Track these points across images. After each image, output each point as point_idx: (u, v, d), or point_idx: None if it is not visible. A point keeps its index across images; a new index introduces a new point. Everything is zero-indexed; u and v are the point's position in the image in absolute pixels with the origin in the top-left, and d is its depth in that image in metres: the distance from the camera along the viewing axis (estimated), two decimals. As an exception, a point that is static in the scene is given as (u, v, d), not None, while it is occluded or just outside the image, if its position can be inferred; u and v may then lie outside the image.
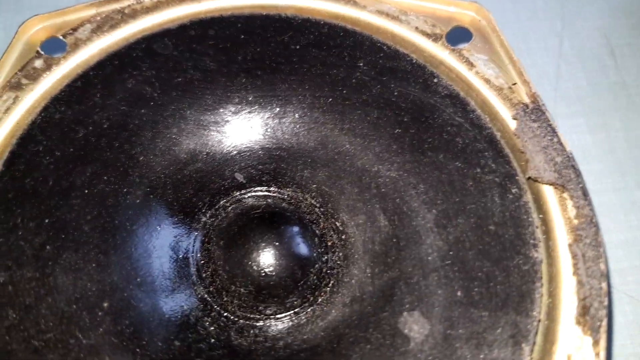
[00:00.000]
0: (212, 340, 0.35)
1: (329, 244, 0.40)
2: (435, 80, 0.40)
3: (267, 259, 0.38)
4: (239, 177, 0.41)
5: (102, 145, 0.38)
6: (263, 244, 0.38)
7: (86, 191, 0.36)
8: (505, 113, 0.40)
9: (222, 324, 0.37)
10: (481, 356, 0.33)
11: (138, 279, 0.36)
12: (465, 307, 0.35)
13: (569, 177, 0.37)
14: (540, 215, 0.37)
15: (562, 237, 0.36)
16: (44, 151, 0.36)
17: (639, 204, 0.58)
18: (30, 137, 0.37)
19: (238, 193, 0.41)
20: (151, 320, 0.35)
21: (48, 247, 0.34)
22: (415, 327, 0.35)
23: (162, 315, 0.35)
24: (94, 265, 0.35)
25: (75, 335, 0.33)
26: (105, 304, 0.34)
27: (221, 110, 0.40)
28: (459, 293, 0.35)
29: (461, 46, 0.43)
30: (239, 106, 0.40)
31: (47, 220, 0.35)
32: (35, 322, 0.33)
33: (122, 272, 0.36)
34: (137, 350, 0.33)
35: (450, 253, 0.36)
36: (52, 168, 0.36)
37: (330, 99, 0.40)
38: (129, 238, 0.37)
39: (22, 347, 0.32)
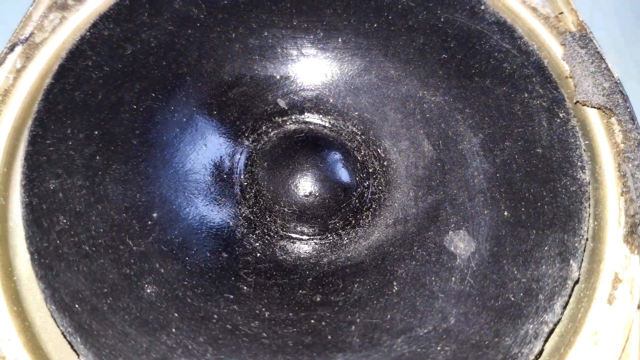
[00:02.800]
0: (258, 254, 0.36)
1: (370, 170, 0.39)
2: (482, 7, 0.40)
3: (309, 181, 0.38)
4: (282, 103, 0.41)
5: (150, 64, 0.38)
6: (306, 166, 0.38)
7: (134, 107, 0.36)
8: (552, 41, 0.40)
9: (266, 241, 0.37)
10: (528, 272, 0.33)
11: (186, 193, 0.36)
12: (512, 226, 0.35)
13: (617, 102, 0.37)
14: (587, 142, 0.37)
15: (608, 162, 0.36)
16: (93, 66, 0.37)
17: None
18: (80, 52, 0.37)
19: (280, 119, 0.41)
20: (199, 232, 0.35)
21: (98, 157, 0.34)
22: (461, 244, 0.35)
23: (210, 228, 0.36)
24: (143, 177, 0.35)
25: (125, 241, 0.33)
26: (155, 214, 0.34)
27: (265, 34, 0.40)
28: (505, 213, 0.35)
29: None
30: (283, 31, 0.40)
31: (96, 132, 0.35)
32: (85, 228, 0.33)
33: (171, 186, 0.36)
34: (187, 259, 0.34)
35: (497, 175, 0.36)
36: (101, 83, 0.36)
37: (375, 25, 0.40)
38: (177, 154, 0.37)
39: (73, 251, 0.32)
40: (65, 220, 0.33)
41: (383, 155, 0.40)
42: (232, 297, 0.33)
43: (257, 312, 0.33)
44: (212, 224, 0.36)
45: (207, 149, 0.38)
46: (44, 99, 0.35)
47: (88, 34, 0.38)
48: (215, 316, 0.32)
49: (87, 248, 0.33)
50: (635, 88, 0.61)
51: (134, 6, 0.39)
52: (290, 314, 0.33)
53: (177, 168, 0.37)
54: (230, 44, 0.40)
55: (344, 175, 0.39)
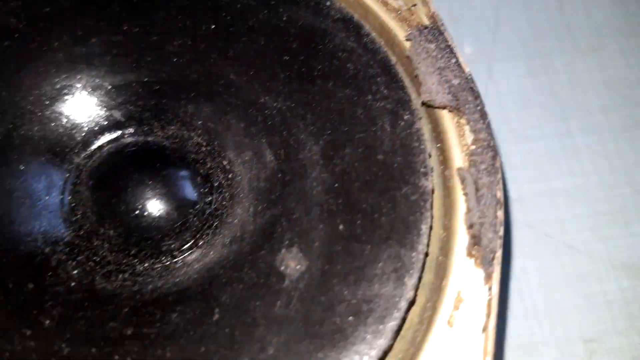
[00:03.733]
0: (73, 284, 0.32)
1: (215, 184, 0.36)
2: (328, 3, 0.37)
3: (136, 197, 0.35)
4: (117, 114, 0.37)
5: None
6: (132, 182, 0.35)
7: None
8: (402, 36, 0.37)
9: (88, 268, 0.33)
10: (359, 292, 0.30)
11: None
12: (346, 241, 0.31)
13: (466, 100, 0.34)
14: (438, 145, 0.34)
15: (458, 165, 0.33)
16: None
17: (581, 150, 0.54)
18: None
19: (116, 132, 0.37)
20: (5, 262, 0.31)
21: None
22: (291, 264, 0.31)
23: (18, 257, 0.32)
24: None
25: None
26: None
27: (93, 41, 0.36)
28: (341, 227, 0.32)
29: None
30: (112, 37, 0.37)
31: None
32: None
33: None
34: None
35: (335, 185, 0.33)
36: None
37: (214, 26, 0.37)
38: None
39: None
40: None
41: (228, 167, 0.37)
42: (29, 332, 0.30)
43: (57, 348, 0.30)
44: (20, 251, 0.32)
45: (25, 169, 0.35)
46: None
47: None
48: (7, 354, 0.29)
49: None
50: (544, 83, 0.59)
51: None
52: (93, 350, 0.30)
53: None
54: (53, 54, 0.36)
55: (180, 192, 0.36)
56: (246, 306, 0.31)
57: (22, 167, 0.35)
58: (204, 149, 0.38)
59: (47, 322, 0.31)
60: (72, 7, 0.37)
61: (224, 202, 0.37)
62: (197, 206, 0.36)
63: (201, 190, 0.37)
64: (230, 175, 0.37)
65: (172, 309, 0.32)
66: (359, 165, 0.33)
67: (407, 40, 0.36)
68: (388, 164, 0.33)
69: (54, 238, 0.34)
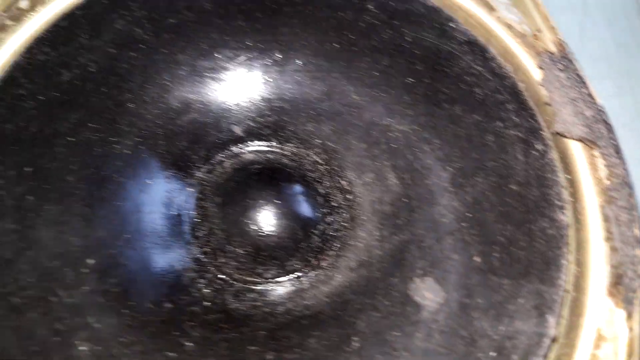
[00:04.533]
0: (207, 303, 0.32)
1: (334, 204, 0.36)
2: (452, 25, 0.37)
3: (266, 217, 0.35)
4: (237, 129, 0.37)
5: (89, 91, 0.34)
6: (262, 202, 0.35)
7: (71, 139, 0.33)
8: (529, 62, 0.37)
9: (217, 286, 0.33)
10: (501, 327, 0.30)
11: (127, 235, 0.33)
12: (483, 274, 0.31)
13: (600, 133, 0.33)
14: (568, 176, 0.34)
15: (591, 199, 0.33)
16: (26, 95, 0.33)
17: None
18: (12, 80, 0.34)
19: (235, 147, 0.38)
20: (140, 280, 0.32)
21: (29, 197, 0.32)
22: (428, 294, 0.31)
23: (153, 275, 0.33)
24: (79, 218, 0.32)
25: (56, 293, 0.30)
26: (91, 261, 0.31)
27: (217, 56, 0.37)
28: (476, 258, 0.32)
29: (481, -10, 0.39)
30: (236, 51, 0.37)
31: (28, 169, 0.32)
32: (14, 277, 0.30)
33: (110, 227, 0.33)
34: (125, 311, 0.31)
35: (468, 215, 0.33)
36: (34, 113, 0.33)
37: (337, 45, 0.37)
38: (117, 191, 0.34)
39: (0, 304, 0.29)
40: None
41: (347, 187, 0.37)
42: (173, 354, 0.30)
43: (202, 372, 0.29)
44: (155, 269, 0.33)
45: (152, 183, 0.35)
46: None
47: (22, 59, 0.34)
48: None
49: (16, 300, 0.30)
50: (630, 104, 0.58)
51: (72, 27, 0.35)
52: (238, 375, 0.30)
53: (117, 207, 0.34)
54: (178, 67, 0.37)
55: (304, 210, 0.37)
56: (385, 335, 0.31)
57: (148, 182, 0.35)
58: (321, 167, 0.38)
59: (189, 344, 0.31)
60: (197, 19, 0.37)
61: (344, 223, 0.36)
62: (320, 226, 0.36)
63: (322, 210, 0.37)
64: (349, 196, 0.37)
65: (309, 333, 0.32)
66: (491, 194, 0.33)
67: (539, 68, 0.36)
68: (523, 195, 0.33)
69: (182, 255, 0.34)
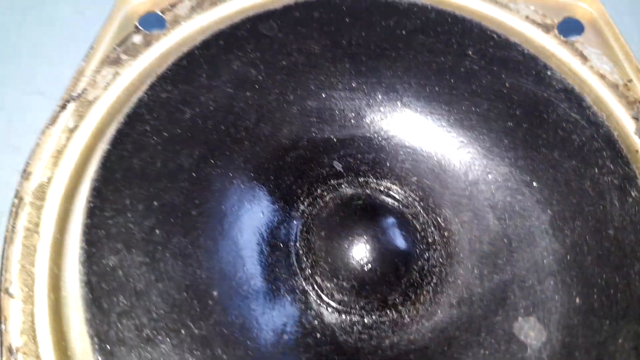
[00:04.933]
0: (318, 335, 0.34)
1: (430, 240, 0.38)
2: (549, 72, 0.39)
3: (370, 252, 0.37)
4: (337, 165, 0.40)
5: (209, 128, 0.36)
6: (365, 237, 0.37)
7: (194, 174, 0.35)
8: (621, 111, 0.39)
9: (325, 319, 0.35)
10: (603, 367, 0.32)
11: (245, 267, 0.35)
12: (584, 314, 0.33)
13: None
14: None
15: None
16: (151, 131, 0.36)
17: None
18: (138, 116, 0.36)
19: (335, 181, 0.40)
20: (259, 312, 0.34)
21: (157, 230, 0.33)
22: (532, 333, 0.33)
23: (269, 306, 0.34)
24: (202, 251, 0.34)
25: (186, 324, 0.32)
26: (215, 293, 0.33)
27: (324, 96, 0.39)
28: (577, 300, 0.34)
29: (573, 38, 0.41)
30: (342, 93, 0.39)
31: (155, 203, 0.34)
32: (146, 309, 0.32)
33: (230, 259, 0.35)
34: (248, 342, 0.32)
35: (568, 257, 0.35)
36: (159, 149, 0.35)
37: (437, 88, 0.39)
38: (236, 224, 0.36)
39: (134, 336, 0.31)
40: (125, 301, 0.32)
41: (444, 225, 0.39)
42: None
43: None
44: (271, 300, 0.35)
45: (264, 216, 0.37)
46: (102, 167, 0.34)
47: (145, 96, 0.36)
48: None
49: (149, 332, 0.32)
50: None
51: (192, 67, 0.37)
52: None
53: (235, 239, 0.36)
54: (289, 106, 0.39)
55: (404, 246, 0.38)
56: (493, 371, 0.33)
57: (262, 215, 0.37)
58: (417, 204, 0.40)
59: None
60: (306, 62, 0.39)
61: (441, 260, 0.38)
62: (419, 261, 0.38)
63: (420, 246, 0.39)
64: (446, 233, 0.39)
65: (418, 367, 0.34)
66: (590, 238, 0.35)
67: (634, 118, 0.38)
68: (620, 240, 0.35)
69: (291, 286, 0.36)
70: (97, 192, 0.34)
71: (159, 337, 0.31)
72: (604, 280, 0.34)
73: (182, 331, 0.32)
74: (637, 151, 0.37)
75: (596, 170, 0.36)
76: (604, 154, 0.37)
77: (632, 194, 0.36)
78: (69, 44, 0.58)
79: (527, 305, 0.34)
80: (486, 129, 0.39)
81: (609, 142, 0.37)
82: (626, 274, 0.34)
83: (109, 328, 0.31)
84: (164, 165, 0.35)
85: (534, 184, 0.37)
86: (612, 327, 0.33)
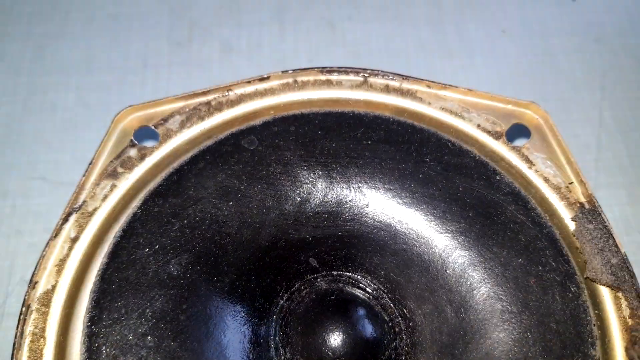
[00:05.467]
0: None
1: (397, 329, 0.43)
2: (498, 177, 0.44)
3: (342, 345, 0.42)
4: (313, 262, 0.44)
5: (196, 237, 0.41)
6: (338, 330, 0.42)
7: (182, 282, 0.40)
8: (563, 211, 0.44)
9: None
10: None
11: (230, 365, 0.39)
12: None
13: (624, 279, 0.40)
14: (596, 311, 0.41)
15: (617, 336, 0.40)
16: (144, 243, 0.40)
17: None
18: (132, 230, 0.40)
19: (311, 276, 0.45)
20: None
21: (149, 337, 0.38)
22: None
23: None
24: (189, 353, 0.38)
25: None
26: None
27: (299, 200, 0.43)
28: (525, 388, 0.38)
29: (520, 142, 0.47)
30: (316, 197, 0.44)
31: (148, 311, 0.38)
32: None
33: (214, 359, 0.39)
34: None
35: (515, 349, 0.39)
36: (151, 259, 0.40)
37: (401, 192, 0.44)
38: (219, 325, 0.40)
39: None
40: None
41: (409, 315, 0.44)
42: None
43: None
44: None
45: (246, 315, 0.42)
46: (100, 280, 0.39)
47: (139, 211, 0.41)
48: None
49: None
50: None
51: (181, 181, 0.42)
52: None
53: (219, 339, 0.40)
54: (268, 212, 0.43)
55: (373, 337, 0.43)
56: None
57: (242, 314, 0.42)
58: (386, 296, 0.45)
59: None
60: (283, 171, 0.44)
61: (406, 348, 0.43)
62: (387, 352, 0.43)
63: (388, 336, 0.44)
64: (411, 324, 0.44)
65: None
66: (535, 331, 0.40)
67: (573, 220, 0.43)
68: (561, 332, 0.40)
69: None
70: (96, 303, 0.38)
71: None
72: (548, 370, 0.39)
73: None
74: (576, 248, 0.42)
75: (540, 267, 0.41)
76: (547, 252, 0.42)
77: (572, 289, 0.41)
78: (68, 130, 0.63)
79: (481, 395, 0.39)
80: (443, 229, 0.44)
81: (551, 241, 0.42)
82: (566, 364, 0.39)
83: None
84: (155, 274, 0.40)
85: (487, 281, 0.42)
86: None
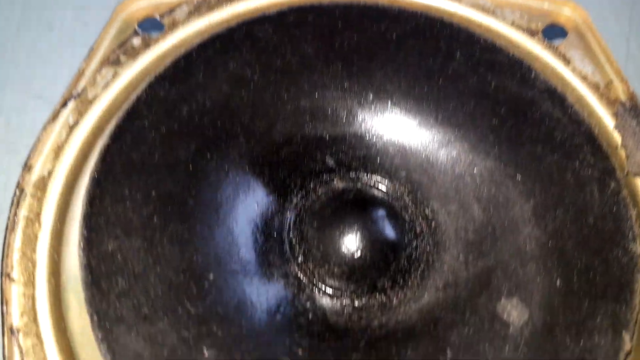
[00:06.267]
0: (310, 316, 0.36)
1: (418, 230, 0.40)
2: (533, 74, 0.41)
3: (359, 241, 0.39)
4: (330, 161, 0.41)
5: (205, 124, 0.38)
6: (355, 227, 0.39)
7: (190, 167, 0.37)
8: (602, 110, 0.41)
9: (317, 301, 0.37)
10: (581, 343, 0.33)
11: (239, 253, 0.36)
12: (564, 295, 0.35)
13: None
14: (637, 210, 0.37)
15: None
16: (149, 126, 0.37)
17: None
18: (136, 113, 0.37)
19: (328, 176, 0.42)
20: (253, 293, 0.35)
21: (155, 218, 0.35)
22: (514, 312, 0.35)
23: (264, 289, 0.36)
24: (199, 238, 0.36)
25: (183, 304, 0.33)
26: (211, 276, 0.35)
27: (317, 96, 0.41)
28: (558, 282, 0.35)
29: (557, 42, 0.43)
30: (334, 92, 0.41)
31: (154, 193, 0.35)
32: (144, 290, 0.33)
33: (225, 246, 0.36)
34: (242, 321, 0.34)
35: (549, 243, 0.36)
36: (157, 143, 0.37)
37: (426, 88, 0.41)
38: (231, 213, 0.37)
39: (132, 314, 0.32)
40: (124, 283, 0.33)
41: (431, 216, 0.40)
42: (288, 360, 0.33)
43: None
44: (265, 284, 0.36)
45: (258, 207, 0.39)
46: (101, 160, 0.36)
47: (144, 94, 0.38)
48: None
49: (147, 311, 0.33)
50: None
51: (189, 67, 0.39)
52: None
53: (230, 227, 0.37)
54: (282, 105, 0.40)
55: (392, 235, 0.40)
56: (476, 348, 0.34)
57: (256, 206, 0.39)
58: (406, 197, 0.42)
59: (300, 351, 0.34)
60: (300, 63, 0.41)
61: (428, 248, 0.40)
62: (407, 249, 0.40)
63: (408, 235, 0.40)
64: (433, 224, 0.41)
65: (405, 345, 0.35)
66: (570, 226, 0.37)
67: (614, 115, 0.40)
68: (599, 227, 0.36)
69: (284, 271, 0.38)
70: (97, 183, 0.35)
71: (157, 315, 0.33)
72: (583, 264, 0.36)
73: (179, 310, 0.33)
74: (616, 147, 0.39)
75: (577, 163, 0.38)
76: (585, 148, 0.39)
77: (611, 185, 0.37)
78: (67, 48, 0.60)
79: (510, 287, 0.36)
80: (472, 126, 0.40)
81: (589, 138, 0.39)
82: (604, 258, 0.36)
83: (108, 307, 0.32)
84: (161, 157, 0.37)
85: (518, 176, 0.39)
86: (591, 307, 0.34)
